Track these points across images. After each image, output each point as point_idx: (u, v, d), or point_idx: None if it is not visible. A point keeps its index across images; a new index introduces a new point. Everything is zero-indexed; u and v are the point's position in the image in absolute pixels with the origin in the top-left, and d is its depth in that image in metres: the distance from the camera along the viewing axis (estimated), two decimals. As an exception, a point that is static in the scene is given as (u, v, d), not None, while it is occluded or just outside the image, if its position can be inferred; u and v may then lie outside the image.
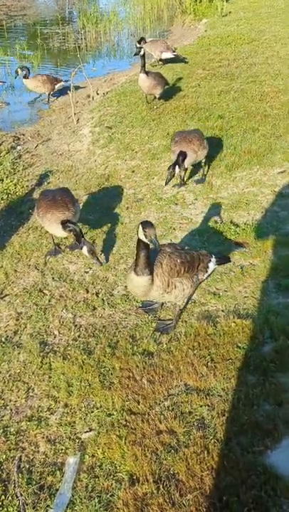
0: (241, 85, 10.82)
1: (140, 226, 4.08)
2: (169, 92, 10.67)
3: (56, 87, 11.72)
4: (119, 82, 12.63)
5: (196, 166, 7.49)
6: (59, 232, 5.56)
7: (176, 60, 12.82)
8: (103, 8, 21.63)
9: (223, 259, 5.13)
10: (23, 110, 11.53)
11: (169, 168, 6.79)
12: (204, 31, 16.69)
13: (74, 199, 5.92)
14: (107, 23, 18.52)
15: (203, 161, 7.33)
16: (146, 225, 4.08)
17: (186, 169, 7.28)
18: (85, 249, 5.40)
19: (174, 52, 12.72)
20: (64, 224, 5.44)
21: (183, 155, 6.78)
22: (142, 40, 12.33)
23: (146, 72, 9.52)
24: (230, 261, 5.28)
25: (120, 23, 19.01)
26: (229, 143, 8.28)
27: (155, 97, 10.09)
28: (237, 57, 13.00)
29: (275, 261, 5.56)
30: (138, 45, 11.53)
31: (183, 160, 6.79)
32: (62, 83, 11.82)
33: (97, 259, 5.45)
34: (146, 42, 12.39)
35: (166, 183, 6.88)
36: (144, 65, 9.40)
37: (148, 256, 4.22)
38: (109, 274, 5.64)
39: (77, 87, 11.98)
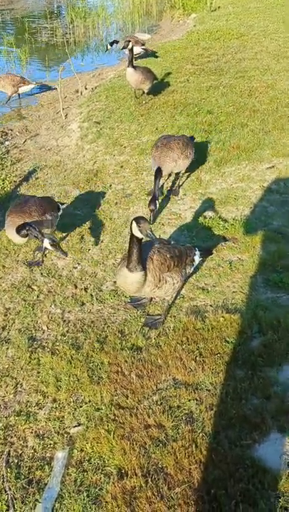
0: (230, 80, 10.83)
1: (134, 222, 4.06)
2: (158, 87, 10.65)
3: (21, 89, 11.06)
4: (108, 77, 12.59)
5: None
6: (16, 238, 5.31)
7: (146, 55, 12.87)
8: (92, 2, 21.51)
9: (206, 252, 5.18)
10: (11, 105, 11.45)
11: (149, 205, 6.17)
12: (193, 26, 16.67)
13: (48, 209, 5.64)
14: (96, 18, 18.44)
15: (183, 171, 6.94)
16: (140, 220, 4.07)
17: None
18: (46, 242, 5.12)
19: (142, 46, 12.74)
20: (18, 229, 5.17)
21: (158, 172, 6.34)
22: (114, 42, 12.40)
23: (134, 67, 9.49)
24: (212, 253, 5.32)
25: (109, 18, 18.93)
26: (218, 138, 8.29)
27: (144, 92, 10.07)
28: (226, 52, 13.00)
29: (263, 256, 5.58)
30: (109, 47, 11.63)
31: (159, 175, 6.34)
32: (31, 86, 11.15)
33: (61, 250, 5.23)
34: (117, 42, 12.40)
35: (153, 221, 6.27)
36: (132, 60, 9.37)
37: (140, 252, 4.21)
38: (98, 270, 5.64)
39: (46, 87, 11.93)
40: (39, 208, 5.52)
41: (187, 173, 7.22)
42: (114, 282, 5.39)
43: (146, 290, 4.45)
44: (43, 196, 6.13)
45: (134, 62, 9.79)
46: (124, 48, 9.63)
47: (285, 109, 9.19)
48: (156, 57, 12.70)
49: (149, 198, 6.34)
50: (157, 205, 6.24)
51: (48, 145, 8.95)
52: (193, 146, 6.84)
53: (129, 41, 9.46)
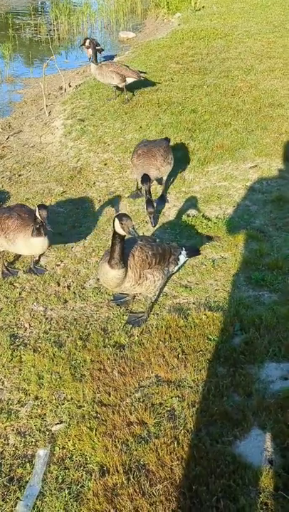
0: (214, 80, 10.87)
1: (116, 219, 4.08)
2: (142, 85, 10.64)
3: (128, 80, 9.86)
4: (92, 74, 12.54)
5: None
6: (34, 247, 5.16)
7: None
8: (76, -1, 21.44)
9: (193, 252, 5.17)
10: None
11: (147, 208, 5.95)
12: (178, 25, 16.69)
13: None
14: (80, 15, 18.37)
15: (165, 178, 6.81)
16: (123, 217, 4.08)
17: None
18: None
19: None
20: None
21: (146, 177, 6.18)
22: (86, 39, 12.45)
23: (99, 63, 9.76)
24: (200, 253, 5.32)
25: (93, 15, 18.88)
26: (202, 137, 8.32)
27: (118, 88, 9.97)
28: (210, 51, 13.04)
29: (245, 254, 5.62)
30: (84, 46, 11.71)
31: (148, 181, 6.17)
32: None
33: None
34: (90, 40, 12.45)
35: (155, 223, 6.04)
36: (95, 54, 9.66)
37: (123, 249, 4.23)
38: (81, 267, 5.62)
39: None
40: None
41: (171, 178, 7.17)
42: (98, 280, 5.38)
43: (126, 286, 4.47)
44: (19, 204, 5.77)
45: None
46: (81, 45, 10.27)
47: (267, 109, 9.26)
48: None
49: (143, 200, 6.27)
50: (155, 207, 6.06)
51: (32, 142, 8.91)
52: (170, 149, 6.78)
53: (87, 38, 10.20)
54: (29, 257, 5.60)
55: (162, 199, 6.80)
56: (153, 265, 4.51)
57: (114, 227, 4.12)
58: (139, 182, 6.41)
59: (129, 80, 9.75)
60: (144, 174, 6.24)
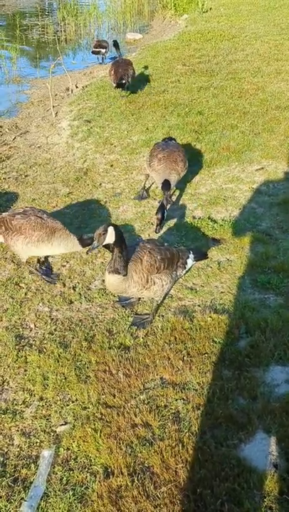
0: (221, 82, 10.87)
1: (111, 228, 4.14)
2: (149, 86, 10.66)
3: None
4: (99, 75, 12.58)
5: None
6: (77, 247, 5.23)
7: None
8: (83, 0, 21.45)
9: (201, 256, 5.15)
10: (1, 102, 11.40)
11: (157, 213, 5.80)
12: (185, 27, 16.70)
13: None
14: (87, 16, 18.41)
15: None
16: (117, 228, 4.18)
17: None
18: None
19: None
20: (81, 238, 5.19)
21: (167, 184, 6.12)
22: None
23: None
24: (207, 257, 5.31)
25: (100, 17, 18.91)
26: (208, 139, 8.31)
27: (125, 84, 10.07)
28: (217, 53, 13.04)
29: (251, 257, 5.61)
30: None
31: (169, 188, 6.12)
32: None
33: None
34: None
35: (158, 231, 5.91)
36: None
37: (121, 255, 4.24)
38: (87, 268, 5.63)
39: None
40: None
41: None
42: (103, 281, 5.39)
43: (133, 291, 4.46)
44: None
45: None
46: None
47: (274, 111, 9.25)
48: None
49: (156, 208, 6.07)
50: (165, 215, 5.85)
51: (38, 143, 8.92)
52: None
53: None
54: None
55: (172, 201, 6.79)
56: (161, 270, 4.51)
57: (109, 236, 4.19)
58: (159, 187, 6.32)
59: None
60: (165, 180, 6.16)
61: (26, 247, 5.16)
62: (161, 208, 5.87)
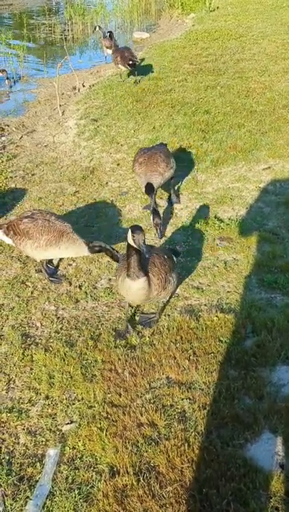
0: (228, 81, 10.84)
1: (129, 231, 4.01)
2: (156, 85, 10.65)
3: None
4: (106, 74, 12.58)
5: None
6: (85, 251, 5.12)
7: None
8: (90, -1, 21.49)
9: (176, 253, 5.19)
10: (8, 101, 11.42)
11: (153, 220, 5.92)
12: (192, 26, 16.68)
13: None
14: (94, 15, 18.41)
15: (171, 181, 6.67)
16: (135, 230, 3.99)
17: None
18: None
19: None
20: (90, 245, 5.05)
21: (150, 187, 6.10)
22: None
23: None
24: (180, 254, 5.38)
25: (107, 16, 18.91)
26: (215, 138, 8.29)
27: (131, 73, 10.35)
28: (224, 52, 13.01)
29: (258, 256, 5.59)
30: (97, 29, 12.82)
31: (152, 191, 6.10)
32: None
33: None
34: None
35: (161, 236, 6.00)
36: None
37: (140, 258, 4.12)
38: (93, 267, 5.62)
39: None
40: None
41: (184, 179, 7.06)
42: (110, 280, 5.38)
43: (154, 294, 4.36)
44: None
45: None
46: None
47: (282, 110, 9.21)
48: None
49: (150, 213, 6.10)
50: (161, 218, 6.00)
51: (45, 141, 8.93)
52: (170, 153, 6.67)
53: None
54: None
55: (169, 202, 6.70)
56: (172, 268, 4.51)
57: (128, 238, 4.05)
58: (143, 190, 6.26)
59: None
60: (148, 183, 6.11)
61: (36, 251, 5.12)
62: (155, 213, 5.89)
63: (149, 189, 6.10)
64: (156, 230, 5.94)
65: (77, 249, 5.09)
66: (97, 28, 13.50)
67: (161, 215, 6.11)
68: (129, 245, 4.09)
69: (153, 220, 5.94)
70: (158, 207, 6.70)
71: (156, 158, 6.27)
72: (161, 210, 6.63)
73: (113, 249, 5.06)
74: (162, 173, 6.23)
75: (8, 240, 5.33)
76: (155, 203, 6.09)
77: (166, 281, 4.41)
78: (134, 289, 4.23)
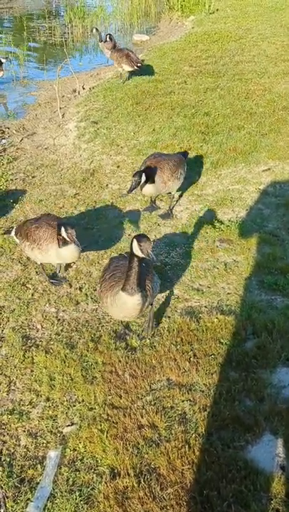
0: (228, 83, 10.85)
1: (134, 240, 3.85)
2: (156, 88, 10.67)
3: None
4: (106, 77, 12.60)
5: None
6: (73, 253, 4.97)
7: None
8: (90, 2, 21.49)
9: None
10: (8, 104, 11.43)
11: (134, 176, 5.78)
12: (191, 28, 16.69)
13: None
14: (94, 18, 18.43)
15: (173, 193, 6.49)
16: (142, 238, 3.84)
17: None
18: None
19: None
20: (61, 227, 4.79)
21: (150, 171, 5.93)
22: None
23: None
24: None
25: (107, 18, 18.93)
26: (215, 140, 8.30)
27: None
28: (224, 54, 13.02)
29: (258, 258, 5.59)
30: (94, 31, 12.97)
31: (148, 177, 5.88)
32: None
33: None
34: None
35: (130, 191, 5.89)
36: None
37: (140, 272, 3.97)
38: (93, 269, 5.63)
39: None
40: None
41: (179, 192, 6.91)
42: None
43: (143, 309, 4.23)
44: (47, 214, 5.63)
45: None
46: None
47: (281, 112, 9.22)
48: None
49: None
50: (143, 179, 5.77)
51: (45, 144, 8.94)
52: (185, 165, 6.49)
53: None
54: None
55: (168, 215, 6.55)
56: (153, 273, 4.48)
57: (132, 248, 3.88)
58: (142, 193, 6.20)
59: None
60: (140, 171, 5.89)
61: (33, 254, 5.13)
62: (140, 172, 5.79)
63: (137, 174, 5.81)
64: (131, 184, 5.77)
65: (69, 254, 4.96)
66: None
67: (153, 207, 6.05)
68: (132, 256, 3.91)
69: (134, 175, 5.77)
70: (158, 209, 6.73)
71: (162, 164, 6.09)
72: (160, 212, 6.65)
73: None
74: (165, 181, 6.06)
75: (16, 240, 5.45)
76: (141, 180, 5.82)
77: (154, 289, 4.34)
78: (130, 304, 4.02)
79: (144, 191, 6.10)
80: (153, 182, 5.97)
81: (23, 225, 5.31)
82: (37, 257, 5.14)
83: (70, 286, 5.38)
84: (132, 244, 3.89)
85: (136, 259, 3.90)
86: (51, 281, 5.42)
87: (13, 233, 5.48)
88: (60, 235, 4.80)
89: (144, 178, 5.82)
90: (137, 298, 4.00)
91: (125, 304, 4.04)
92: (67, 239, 4.76)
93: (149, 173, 5.90)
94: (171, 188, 6.26)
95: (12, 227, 5.60)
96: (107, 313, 4.96)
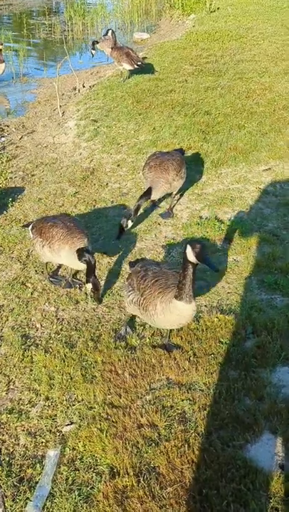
0: (228, 82, 10.84)
1: (189, 247, 3.73)
2: (156, 86, 10.65)
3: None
4: (106, 75, 12.58)
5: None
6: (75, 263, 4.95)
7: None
8: (91, 0, 21.47)
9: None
10: (8, 102, 11.42)
11: (121, 220, 5.88)
12: (192, 27, 16.67)
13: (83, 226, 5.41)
14: (95, 16, 18.40)
15: (175, 192, 6.47)
16: (196, 244, 3.72)
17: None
18: (89, 286, 4.86)
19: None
20: (80, 253, 4.82)
21: (147, 193, 6.00)
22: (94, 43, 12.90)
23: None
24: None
25: (108, 16, 18.91)
26: (215, 139, 8.29)
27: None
28: (224, 53, 13.01)
29: (258, 258, 5.59)
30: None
31: (147, 195, 6.00)
32: None
33: (99, 296, 4.98)
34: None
35: (120, 237, 5.91)
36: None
37: (195, 278, 3.86)
38: (93, 268, 5.62)
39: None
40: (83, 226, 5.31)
41: (180, 193, 6.85)
42: (108, 281, 5.38)
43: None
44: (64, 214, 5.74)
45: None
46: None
47: (282, 111, 9.21)
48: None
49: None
50: (130, 224, 5.88)
51: (45, 142, 8.93)
52: (184, 162, 6.48)
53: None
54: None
55: (168, 214, 6.54)
56: None
57: (186, 255, 3.75)
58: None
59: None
60: (149, 188, 6.01)
61: (42, 251, 5.08)
62: (127, 215, 5.83)
63: (146, 194, 5.99)
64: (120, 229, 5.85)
65: (78, 262, 4.90)
66: (110, 33, 12.61)
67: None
68: (186, 263, 3.78)
69: (122, 218, 5.85)
70: (158, 208, 6.72)
71: (167, 166, 6.11)
72: (160, 211, 6.64)
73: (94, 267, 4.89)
74: (170, 182, 6.11)
75: (30, 235, 5.35)
76: (137, 207, 5.91)
77: None
78: (187, 312, 3.92)
79: (153, 197, 6.13)
80: (150, 194, 6.01)
81: (40, 221, 5.27)
82: (46, 254, 5.09)
83: (70, 285, 5.37)
84: (185, 250, 3.76)
85: (190, 265, 3.78)
86: (50, 279, 5.41)
87: (30, 227, 5.39)
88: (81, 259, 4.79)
89: (130, 223, 5.86)
90: (194, 306, 3.92)
91: (182, 313, 3.92)
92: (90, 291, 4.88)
93: (145, 197, 5.98)
94: (176, 187, 6.30)
95: (31, 222, 5.52)
96: (107, 313, 4.96)
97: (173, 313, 3.94)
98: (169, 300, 3.94)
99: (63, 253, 4.92)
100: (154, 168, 6.13)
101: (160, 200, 6.85)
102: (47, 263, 5.35)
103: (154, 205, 6.75)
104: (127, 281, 4.47)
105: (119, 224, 5.91)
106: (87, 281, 4.85)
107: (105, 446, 3.62)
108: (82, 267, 4.94)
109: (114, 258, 5.76)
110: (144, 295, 4.11)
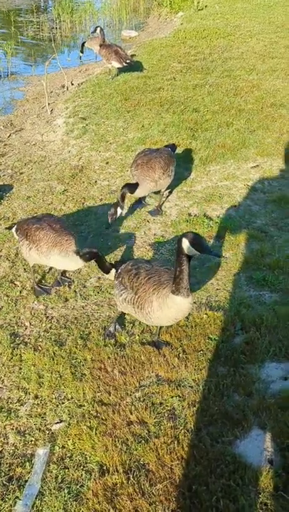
0: (216, 79, 10.85)
1: (184, 239, 3.64)
2: (144, 84, 10.64)
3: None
4: (94, 73, 12.55)
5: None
6: (74, 264, 4.85)
7: None
8: (79, -2, 21.40)
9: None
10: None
11: (110, 209, 5.91)
12: (180, 24, 16.66)
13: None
14: (83, 13, 18.34)
15: (163, 190, 6.49)
16: (194, 235, 3.65)
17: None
18: (113, 272, 4.64)
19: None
20: (83, 255, 4.73)
21: (131, 187, 6.01)
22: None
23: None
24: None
25: (96, 14, 18.84)
26: (203, 136, 8.30)
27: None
28: (212, 51, 13.02)
29: (247, 254, 5.61)
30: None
31: (130, 189, 6.00)
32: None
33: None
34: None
35: (110, 226, 6.02)
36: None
37: (190, 272, 3.79)
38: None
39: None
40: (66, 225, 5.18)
41: (169, 190, 6.87)
42: (99, 279, 5.37)
43: None
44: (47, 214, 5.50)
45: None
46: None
47: (269, 109, 9.24)
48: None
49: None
50: (118, 213, 5.91)
51: (33, 140, 8.89)
52: (174, 160, 6.43)
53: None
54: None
55: (157, 211, 6.53)
56: None
57: (181, 248, 3.66)
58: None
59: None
60: (136, 183, 5.99)
61: (29, 254, 4.97)
62: (116, 205, 5.89)
63: (130, 187, 5.95)
64: (109, 219, 5.90)
65: (69, 263, 4.84)
66: (98, 30, 12.54)
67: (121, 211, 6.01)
68: (181, 256, 3.70)
69: (110, 209, 5.89)
70: (147, 206, 6.72)
71: (154, 164, 6.06)
72: (149, 208, 6.64)
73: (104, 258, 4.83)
74: (156, 180, 6.07)
75: (16, 237, 5.25)
76: (124, 192, 5.94)
77: None
78: (186, 307, 3.86)
79: (136, 194, 6.13)
80: (135, 189, 6.00)
81: (24, 223, 5.11)
82: (33, 257, 4.97)
83: (59, 283, 5.35)
84: (180, 243, 3.67)
85: (185, 258, 3.70)
86: (35, 287, 5.24)
87: (14, 229, 5.29)
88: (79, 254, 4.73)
89: (119, 210, 5.92)
90: (191, 300, 3.88)
91: (180, 307, 3.87)
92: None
93: (128, 189, 5.97)
94: (163, 186, 6.27)
95: (14, 224, 5.40)
96: (96, 310, 4.96)
97: (171, 308, 3.88)
98: (166, 295, 3.89)
99: (52, 256, 4.81)
100: (141, 167, 6.09)
101: (150, 197, 6.85)
102: (33, 266, 5.23)
103: (141, 202, 6.73)
104: (117, 280, 4.43)
105: (108, 214, 5.90)
106: (108, 271, 4.71)
107: (95, 444, 3.62)
108: (70, 267, 4.92)
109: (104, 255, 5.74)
110: (139, 293, 4.06)
